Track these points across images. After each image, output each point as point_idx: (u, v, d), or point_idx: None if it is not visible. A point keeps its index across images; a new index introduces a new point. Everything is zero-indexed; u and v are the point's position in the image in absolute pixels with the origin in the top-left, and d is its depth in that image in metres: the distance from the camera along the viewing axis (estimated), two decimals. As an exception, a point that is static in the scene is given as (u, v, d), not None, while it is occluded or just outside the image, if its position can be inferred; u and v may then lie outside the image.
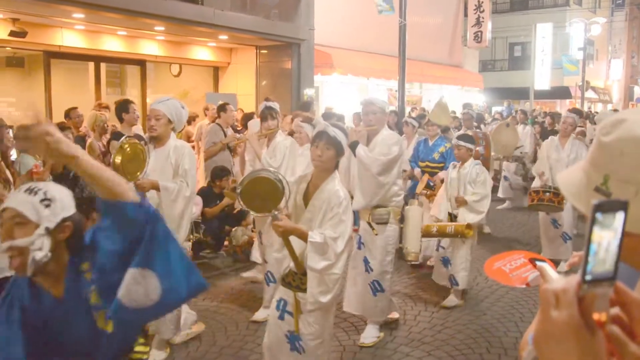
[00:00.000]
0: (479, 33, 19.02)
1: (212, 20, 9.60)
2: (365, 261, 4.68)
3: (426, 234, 5.26)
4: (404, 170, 7.08)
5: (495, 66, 31.51)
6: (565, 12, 29.44)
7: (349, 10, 13.79)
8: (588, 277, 0.73)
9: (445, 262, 5.67)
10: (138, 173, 4.02)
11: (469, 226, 5.16)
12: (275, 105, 5.30)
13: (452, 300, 5.58)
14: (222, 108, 7.53)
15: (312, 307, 3.18)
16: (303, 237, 3.10)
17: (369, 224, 4.65)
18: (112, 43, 10.53)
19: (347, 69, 13.44)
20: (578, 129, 8.88)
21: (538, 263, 1.76)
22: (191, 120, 9.51)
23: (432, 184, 6.72)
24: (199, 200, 6.51)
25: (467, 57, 21.40)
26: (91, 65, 10.72)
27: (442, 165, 6.84)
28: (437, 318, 5.24)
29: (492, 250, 7.54)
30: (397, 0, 11.27)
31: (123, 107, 6.27)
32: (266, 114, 5.21)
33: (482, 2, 18.97)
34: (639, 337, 0.76)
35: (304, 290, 3.19)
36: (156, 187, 4.11)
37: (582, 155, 6.41)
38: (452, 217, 5.57)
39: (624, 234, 0.73)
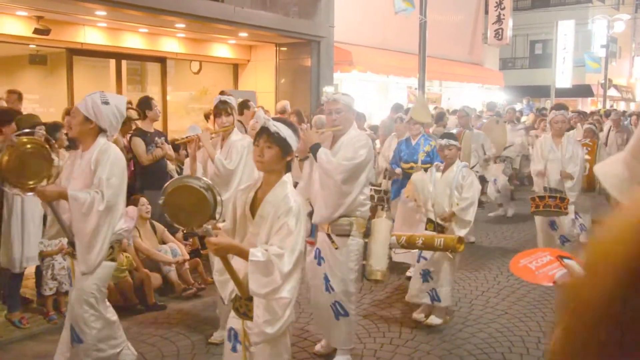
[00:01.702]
0: (500, 30, 18.83)
1: (232, 18, 9.63)
2: (325, 279, 4.11)
3: (410, 245, 4.60)
4: (385, 169, 6.81)
5: (516, 64, 31.22)
6: (588, 9, 29.06)
7: (368, 7, 13.75)
8: None
9: (425, 275, 5.01)
10: (40, 178, 3.49)
11: (460, 240, 4.53)
12: (231, 99, 4.68)
13: (434, 319, 4.99)
14: (244, 105, 7.46)
15: (258, 339, 2.69)
16: (243, 255, 2.59)
17: (328, 235, 4.08)
18: (133, 40, 10.61)
19: (366, 67, 13.40)
20: (587, 126, 8.36)
21: (565, 260, 1.75)
22: (209, 117, 9.56)
23: None
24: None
25: (488, 54, 21.22)
26: (112, 62, 10.82)
27: (428, 166, 6.14)
28: (458, 317, 5.21)
29: (480, 259, 7.48)
30: (418, -3, 11.22)
31: (145, 103, 6.31)
32: (220, 110, 4.57)
33: (503, -1, 18.78)
34: None
35: (252, 318, 2.71)
36: (64, 196, 3.50)
37: (578, 153, 6.18)
38: (436, 226, 4.98)
39: None
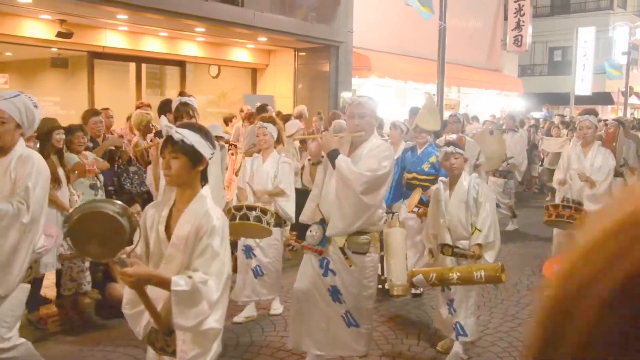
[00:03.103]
0: (519, 37, 18.70)
1: (251, 22, 9.68)
2: (334, 291, 3.77)
3: (442, 282, 4.06)
4: None
5: (535, 71, 30.99)
6: (609, 15, 28.76)
7: (387, 12, 13.73)
8: None
9: (451, 305, 4.42)
10: None
11: (503, 268, 3.89)
12: (192, 100, 4.30)
13: (456, 355, 4.38)
14: (262, 109, 7.50)
15: None
16: (164, 284, 2.29)
17: (343, 250, 3.73)
18: (153, 44, 10.71)
19: (384, 72, 13.38)
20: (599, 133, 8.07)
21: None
22: (228, 121, 9.59)
23: (426, 199, 5.53)
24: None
25: (506, 61, 21.08)
26: (132, 65, 10.93)
27: (433, 177, 5.78)
28: (478, 325, 5.12)
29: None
30: (437, 3, 11.18)
31: (167, 106, 6.34)
32: (181, 112, 4.18)
33: (523, 5, 18.66)
34: None
35: (171, 354, 2.44)
36: None
37: (608, 164, 5.78)
38: (454, 251, 4.32)
39: None
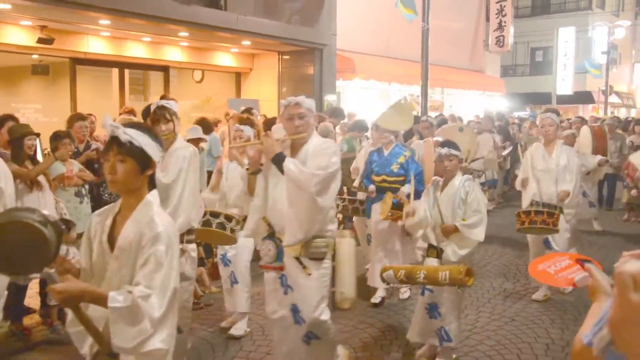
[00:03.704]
0: (501, 37, 18.88)
1: (235, 26, 9.66)
2: (294, 310, 3.53)
3: (410, 280, 3.95)
4: (365, 187, 6.03)
5: (517, 71, 31.30)
6: (588, 15, 29.16)
7: (370, 15, 13.79)
8: None
9: (433, 310, 4.23)
10: None
11: (469, 272, 3.72)
12: (171, 104, 4.14)
13: None
14: (247, 113, 7.52)
15: None
16: (101, 301, 2.06)
17: (298, 260, 3.49)
18: (136, 49, 10.64)
19: (369, 74, 13.43)
20: (567, 132, 8.18)
21: (586, 264, 1.73)
22: (213, 126, 9.55)
23: (397, 202, 5.45)
24: None
25: (489, 61, 21.28)
26: (115, 71, 10.84)
27: (402, 178, 5.65)
28: (466, 324, 5.16)
29: (487, 266, 7.44)
30: (420, 4, 11.26)
31: (149, 112, 6.32)
32: (158, 116, 4.02)
33: (504, 6, 18.85)
34: None
35: None
36: None
37: (573, 162, 5.63)
38: (439, 252, 4.22)
39: None
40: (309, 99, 3.61)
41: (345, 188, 8.14)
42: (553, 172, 5.62)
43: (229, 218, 4.44)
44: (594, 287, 1.43)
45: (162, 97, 4.34)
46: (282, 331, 3.65)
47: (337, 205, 6.66)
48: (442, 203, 4.24)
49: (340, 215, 7.58)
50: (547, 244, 5.62)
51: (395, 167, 5.74)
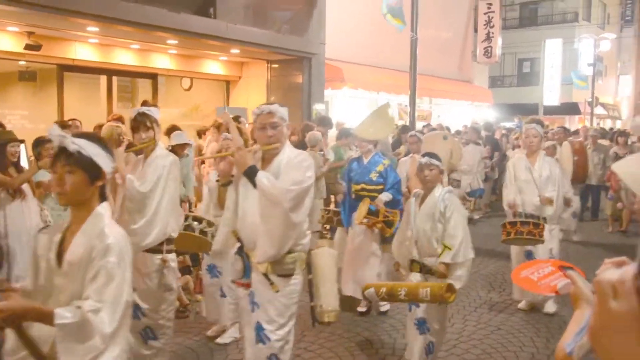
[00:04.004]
0: (489, 48, 19.07)
1: (224, 34, 9.67)
2: (258, 328, 3.32)
3: (391, 297, 3.87)
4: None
5: (505, 82, 31.58)
6: (574, 28, 29.54)
7: (359, 24, 13.87)
8: None
9: (422, 325, 4.10)
10: None
11: (450, 288, 3.62)
12: (152, 111, 4.00)
13: None
14: (235, 121, 7.48)
15: None
16: (46, 319, 1.94)
17: (266, 276, 3.29)
18: (124, 56, 10.61)
19: (357, 83, 13.49)
20: (548, 144, 8.19)
21: (568, 271, 1.74)
22: (201, 134, 9.54)
23: (374, 208, 5.48)
24: None
25: (477, 72, 21.45)
26: (103, 78, 10.80)
27: (381, 187, 5.65)
28: (452, 333, 5.17)
29: (472, 275, 7.43)
30: (409, 14, 11.35)
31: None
32: (138, 123, 3.90)
33: (492, 17, 19.06)
34: None
35: None
36: None
37: (556, 173, 5.62)
38: (422, 267, 4.08)
39: None
40: (282, 107, 3.42)
41: (333, 197, 8.16)
42: (536, 182, 5.60)
43: (210, 224, 4.42)
44: (576, 294, 1.44)
45: (144, 104, 4.26)
46: (249, 353, 3.45)
47: (322, 216, 6.67)
48: (421, 217, 4.11)
49: (327, 226, 7.60)
50: (529, 257, 5.54)
51: (374, 176, 5.71)
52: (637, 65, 38.26)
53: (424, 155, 4.29)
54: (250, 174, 3.22)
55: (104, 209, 2.20)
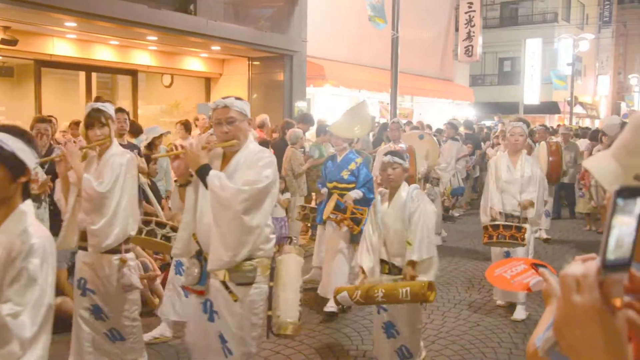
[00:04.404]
0: (470, 47, 19.22)
1: (204, 31, 9.61)
2: (222, 339, 3.08)
3: (368, 300, 3.64)
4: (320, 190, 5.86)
5: (485, 81, 31.85)
6: (554, 28, 29.90)
7: (341, 22, 13.89)
8: (607, 263, 0.74)
9: (389, 329, 3.97)
10: None
11: (431, 286, 3.49)
12: (107, 106, 3.81)
13: None
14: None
15: None
16: None
17: (224, 284, 3.05)
18: (104, 52, 10.50)
19: (339, 81, 13.51)
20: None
21: (540, 268, 1.76)
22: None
23: (343, 205, 5.44)
24: None
25: (458, 71, 21.61)
26: (82, 74, 10.67)
27: (353, 185, 5.61)
28: (431, 329, 5.22)
29: (452, 272, 7.54)
30: (390, 13, 11.39)
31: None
32: (93, 119, 3.73)
33: (473, 16, 19.21)
34: None
35: None
36: None
37: (537, 173, 5.53)
38: (391, 267, 3.97)
39: None
40: (242, 100, 3.16)
41: (314, 195, 8.17)
42: (517, 183, 5.51)
43: (174, 229, 4.23)
44: (547, 291, 1.46)
45: (97, 99, 4.05)
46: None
47: (299, 213, 6.64)
48: (389, 216, 3.98)
49: (308, 223, 7.59)
50: (507, 256, 5.52)
51: (345, 174, 5.66)
52: (615, 66, 38.90)
53: (387, 154, 4.12)
54: (202, 173, 3.00)
55: (27, 207, 2.08)
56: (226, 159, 3.17)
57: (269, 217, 3.15)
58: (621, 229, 0.73)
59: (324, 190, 5.79)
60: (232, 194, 2.92)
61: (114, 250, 3.72)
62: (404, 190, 4.00)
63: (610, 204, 0.74)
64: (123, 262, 3.71)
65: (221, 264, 3.00)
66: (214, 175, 2.97)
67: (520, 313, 5.55)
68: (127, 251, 3.79)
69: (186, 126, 8.33)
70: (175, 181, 3.28)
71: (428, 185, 7.91)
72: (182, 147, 3.35)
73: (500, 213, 5.51)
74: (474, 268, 7.42)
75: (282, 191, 7.43)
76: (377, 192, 4.40)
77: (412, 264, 3.84)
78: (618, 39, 38.85)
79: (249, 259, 3.04)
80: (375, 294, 3.57)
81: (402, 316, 3.93)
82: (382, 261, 4.00)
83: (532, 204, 5.44)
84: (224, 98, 3.12)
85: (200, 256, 3.14)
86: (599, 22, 34.88)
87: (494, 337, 5.07)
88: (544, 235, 9.09)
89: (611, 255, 0.74)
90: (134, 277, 3.78)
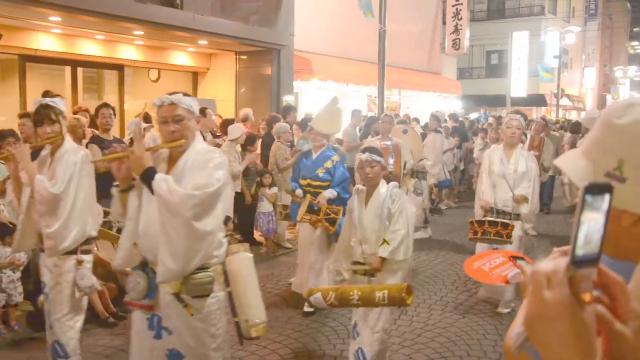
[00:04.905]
0: (457, 40, 19.26)
1: (191, 25, 9.57)
2: (175, 356, 2.84)
3: (342, 302, 3.44)
4: (293, 191, 5.66)
5: (473, 74, 31.95)
6: (541, 20, 30.03)
7: (328, 16, 13.86)
8: (576, 258, 0.75)
9: (354, 329, 3.87)
10: None
11: (409, 289, 3.28)
12: (56, 102, 3.58)
13: None
14: (201, 113, 7.45)
15: None
16: None
17: (178, 297, 2.80)
18: (90, 47, 10.42)
19: (326, 75, 13.50)
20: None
21: (518, 261, 1.80)
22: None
23: (316, 207, 5.18)
24: None
25: (446, 64, 21.65)
26: (68, 69, 10.59)
27: (327, 184, 5.37)
28: (417, 322, 5.26)
29: (439, 265, 7.59)
30: (377, 6, 11.39)
31: (97, 112, 6.29)
32: (42, 116, 3.53)
33: (460, 9, 19.23)
34: (621, 316, 0.78)
35: None
36: None
37: (532, 168, 5.31)
38: (367, 269, 3.80)
39: (609, 216, 0.76)
40: (190, 97, 2.92)
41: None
42: (510, 177, 5.29)
43: None
44: (525, 284, 1.49)
45: (45, 94, 3.80)
46: None
47: (280, 213, 6.49)
48: (367, 215, 3.82)
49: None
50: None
51: (320, 172, 5.42)
52: (601, 58, 39.17)
53: (364, 151, 3.93)
54: (147, 177, 2.72)
55: None
56: (172, 160, 2.91)
57: (221, 221, 2.91)
58: (590, 225, 0.75)
59: (299, 192, 5.53)
60: (181, 199, 2.67)
61: (71, 251, 3.57)
62: (383, 188, 3.85)
63: (579, 201, 0.75)
64: (79, 263, 3.57)
65: (171, 275, 2.74)
66: (160, 179, 2.71)
67: (505, 306, 5.62)
68: (86, 252, 3.63)
69: (146, 119, 8.29)
70: (116, 186, 2.94)
71: (415, 179, 7.85)
72: (123, 148, 3.16)
73: (491, 208, 5.34)
74: (460, 261, 7.47)
75: (270, 186, 7.44)
76: (353, 189, 4.18)
77: (382, 260, 3.70)
78: (604, 31, 39.13)
79: (204, 268, 2.81)
80: (351, 296, 3.36)
81: (367, 318, 3.73)
82: (358, 263, 3.83)
83: (525, 199, 5.25)
84: (170, 94, 2.87)
85: (147, 267, 2.86)
86: (585, 14, 35.09)
87: (479, 329, 5.13)
88: (532, 232, 9.14)
89: (580, 251, 0.75)
90: (93, 278, 3.65)
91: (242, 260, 2.99)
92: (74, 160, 3.50)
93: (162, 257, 2.72)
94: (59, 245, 3.48)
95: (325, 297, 3.42)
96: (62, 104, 3.63)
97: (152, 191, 2.72)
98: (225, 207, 2.92)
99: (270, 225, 7.40)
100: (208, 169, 2.78)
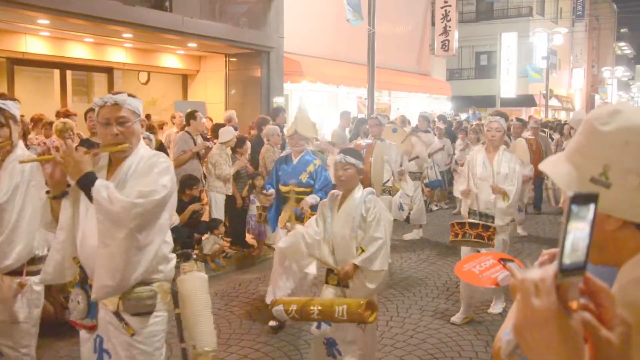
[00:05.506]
0: (447, 42, 19.34)
1: (181, 28, 9.55)
2: None
3: (303, 316, 3.29)
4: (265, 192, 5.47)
5: (462, 75, 32.10)
6: (529, 22, 30.23)
7: (318, 18, 13.89)
8: (564, 267, 0.77)
9: (331, 347, 3.58)
10: None
11: (370, 305, 3.16)
12: (8, 104, 3.17)
13: None
14: (191, 116, 7.46)
15: None
16: None
17: (117, 315, 2.59)
18: (79, 50, 10.37)
19: (316, 77, 13.52)
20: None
21: (508, 263, 1.82)
22: (159, 128, 9.43)
23: (299, 212, 5.01)
24: None
25: (435, 65, 21.74)
26: (57, 72, 10.54)
27: (310, 189, 5.22)
28: (409, 323, 5.28)
29: (431, 266, 7.62)
30: (366, 9, 11.42)
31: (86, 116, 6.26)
32: None
33: (449, 11, 19.32)
34: (607, 323, 0.80)
35: None
36: None
37: (515, 170, 5.19)
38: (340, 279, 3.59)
39: (595, 224, 0.77)
40: (135, 98, 2.69)
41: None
42: (491, 180, 5.17)
43: None
44: (515, 286, 1.50)
45: (1, 96, 3.38)
46: None
47: (259, 215, 6.25)
48: (339, 221, 3.58)
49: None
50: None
51: (304, 177, 5.25)
52: (589, 59, 39.50)
53: (339, 153, 3.75)
54: (86, 183, 2.47)
55: None
56: (113, 166, 2.67)
57: (167, 232, 2.68)
58: (576, 234, 0.76)
59: (272, 191, 5.34)
60: (123, 208, 2.43)
61: (15, 272, 3.15)
62: (358, 193, 3.60)
63: (565, 211, 0.77)
64: (21, 286, 3.14)
65: (108, 291, 2.51)
66: (100, 186, 2.46)
67: (497, 307, 5.64)
68: (32, 274, 3.15)
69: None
70: (47, 192, 2.66)
71: (370, 188, 7.71)
72: (57, 149, 2.81)
73: (473, 211, 5.26)
74: (451, 261, 7.50)
75: (262, 188, 7.42)
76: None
77: (354, 267, 3.45)
78: (591, 32, 39.48)
79: (146, 283, 2.59)
80: (311, 310, 3.20)
81: (348, 333, 3.51)
82: (330, 271, 3.61)
83: (505, 192, 5.10)
84: (113, 94, 2.65)
85: (86, 284, 2.63)
86: (572, 16, 35.36)
87: (471, 330, 5.15)
88: (522, 232, 9.19)
89: (567, 259, 0.77)
90: (28, 305, 3.19)
91: (195, 280, 2.73)
92: (22, 169, 3.11)
93: (99, 272, 2.49)
94: (1, 262, 3.09)
95: (286, 309, 3.30)
96: (15, 107, 3.22)
97: (90, 199, 2.47)
98: (170, 215, 2.70)
99: (261, 227, 7.39)
100: (153, 175, 2.55)
